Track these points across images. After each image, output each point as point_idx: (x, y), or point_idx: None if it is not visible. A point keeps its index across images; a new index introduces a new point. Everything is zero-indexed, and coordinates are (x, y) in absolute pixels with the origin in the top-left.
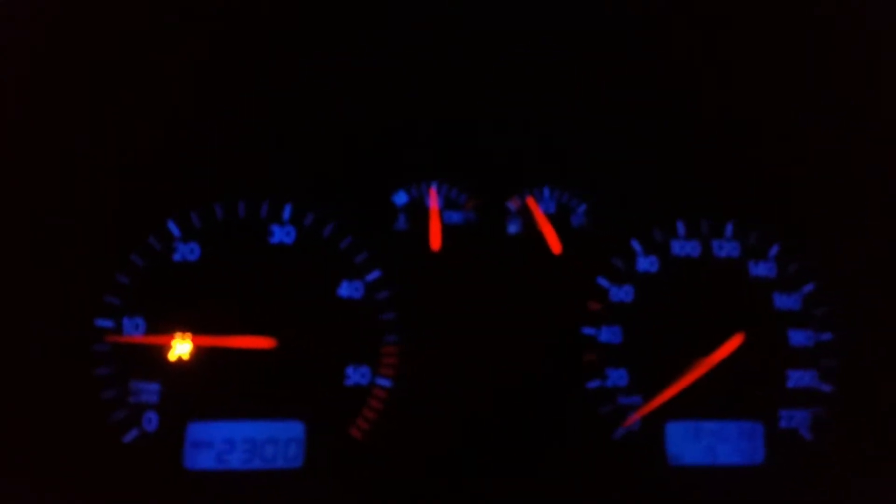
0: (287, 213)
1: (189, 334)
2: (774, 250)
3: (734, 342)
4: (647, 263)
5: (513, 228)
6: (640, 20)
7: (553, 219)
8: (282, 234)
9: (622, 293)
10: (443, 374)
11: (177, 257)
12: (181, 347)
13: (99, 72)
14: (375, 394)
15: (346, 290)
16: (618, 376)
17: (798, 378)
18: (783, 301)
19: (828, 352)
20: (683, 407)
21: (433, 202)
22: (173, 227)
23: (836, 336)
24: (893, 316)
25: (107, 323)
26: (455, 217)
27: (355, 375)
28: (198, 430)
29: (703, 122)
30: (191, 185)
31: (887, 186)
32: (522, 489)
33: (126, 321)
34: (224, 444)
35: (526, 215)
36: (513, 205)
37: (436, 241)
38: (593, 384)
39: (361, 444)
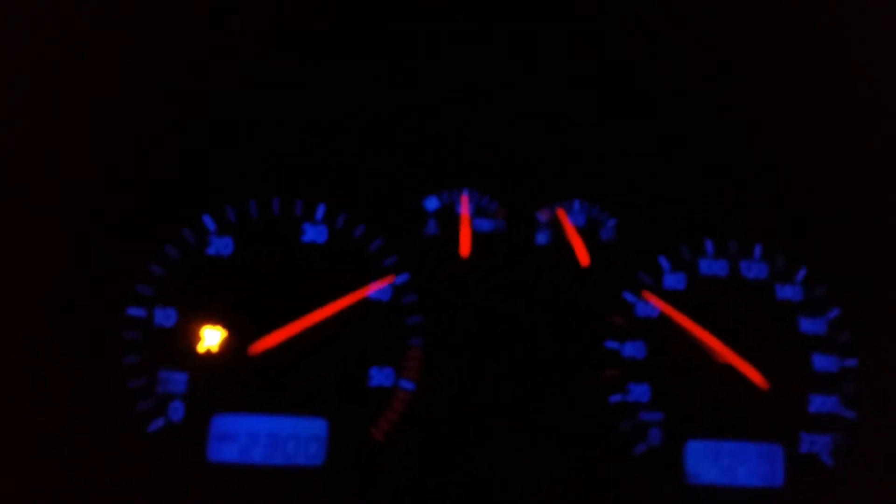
0: (320, 212)
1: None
2: (802, 274)
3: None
4: (674, 280)
5: (542, 239)
6: (672, 37)
7: (582, 232)
8: (314, 233)
9: (648, 308)
10: (465, 380)
11: (211, 251)
12: (211, 339)
13: (132, 66)
14: (398, 396)
15: (374, 291)
16: (640, 391)
17: (821, 403)
18: (808, 325)
19: (852, 378)
20: (705, 426)
21: (464, 209)
22: (209, 221)
23: (860, 362)
24: None
25: (139, 312)
26: (485, 225)
27: (379, 377)
28: (222, 423)
29: (735, 144)
30: (227, 181)
31: None
32: (540, 502)
33: (157, 311)
34: (247, 437)
35: (555, 227)
36: (542, 216)
37: (465, 247)
38: (615, 398)
39: (382, 446)
